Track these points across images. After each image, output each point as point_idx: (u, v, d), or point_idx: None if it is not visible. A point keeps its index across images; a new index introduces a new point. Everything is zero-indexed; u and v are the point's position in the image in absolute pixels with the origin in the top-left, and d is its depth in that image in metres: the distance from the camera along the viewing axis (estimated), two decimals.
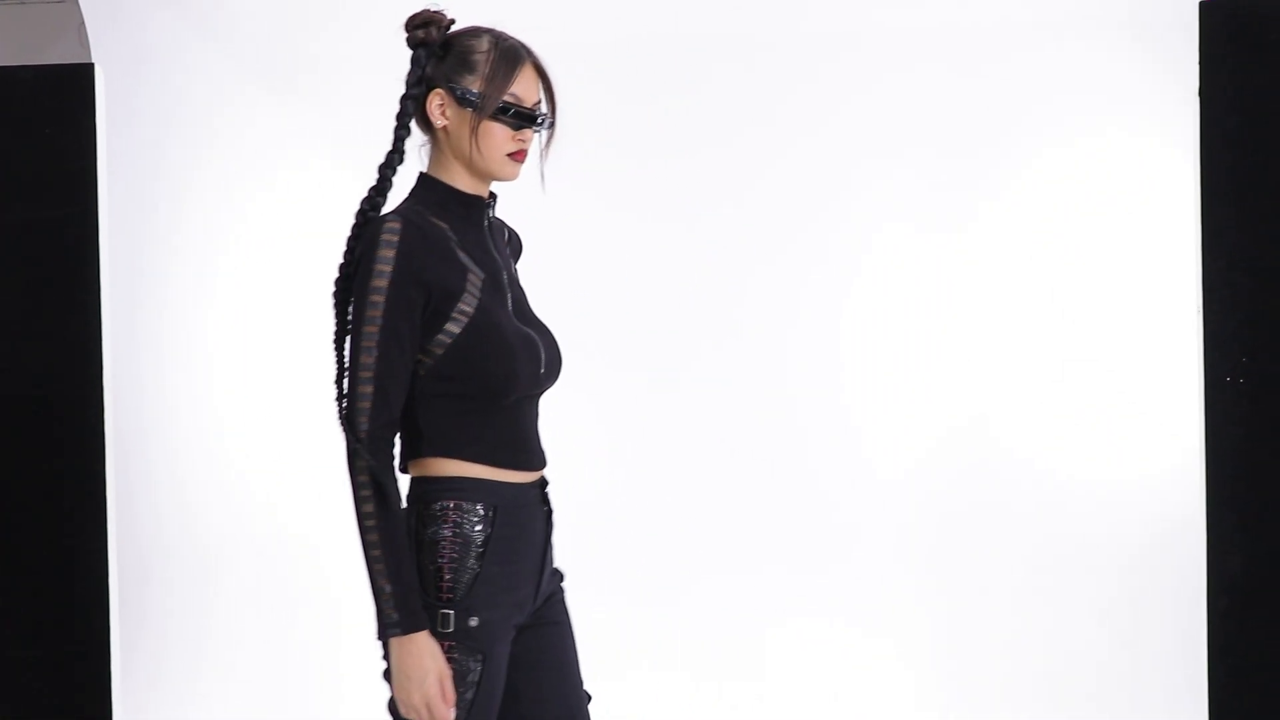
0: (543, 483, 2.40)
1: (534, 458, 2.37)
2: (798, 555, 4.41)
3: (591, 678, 2.47)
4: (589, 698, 2.45)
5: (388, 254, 2.22)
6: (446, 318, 2.25)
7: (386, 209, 2.35)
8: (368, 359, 2.22)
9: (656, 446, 4.43)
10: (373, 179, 2.36)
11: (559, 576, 2.45)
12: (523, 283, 2.47)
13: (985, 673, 4.36)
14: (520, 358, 2.29)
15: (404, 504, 2.28)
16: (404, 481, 2.33)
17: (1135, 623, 4.29)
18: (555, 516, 2.44)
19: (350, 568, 4.52)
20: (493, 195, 2.42)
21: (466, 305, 2.27)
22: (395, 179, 2.37)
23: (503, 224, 2.49)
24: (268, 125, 4.53)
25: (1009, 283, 4.35)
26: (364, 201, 2.35)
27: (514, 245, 2.51)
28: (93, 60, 4.36)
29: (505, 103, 2.30)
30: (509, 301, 2.35)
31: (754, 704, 4.43)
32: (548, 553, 2.39)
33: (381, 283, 2.21)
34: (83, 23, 4.51)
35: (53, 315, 4.13)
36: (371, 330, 2.22)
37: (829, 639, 4.42)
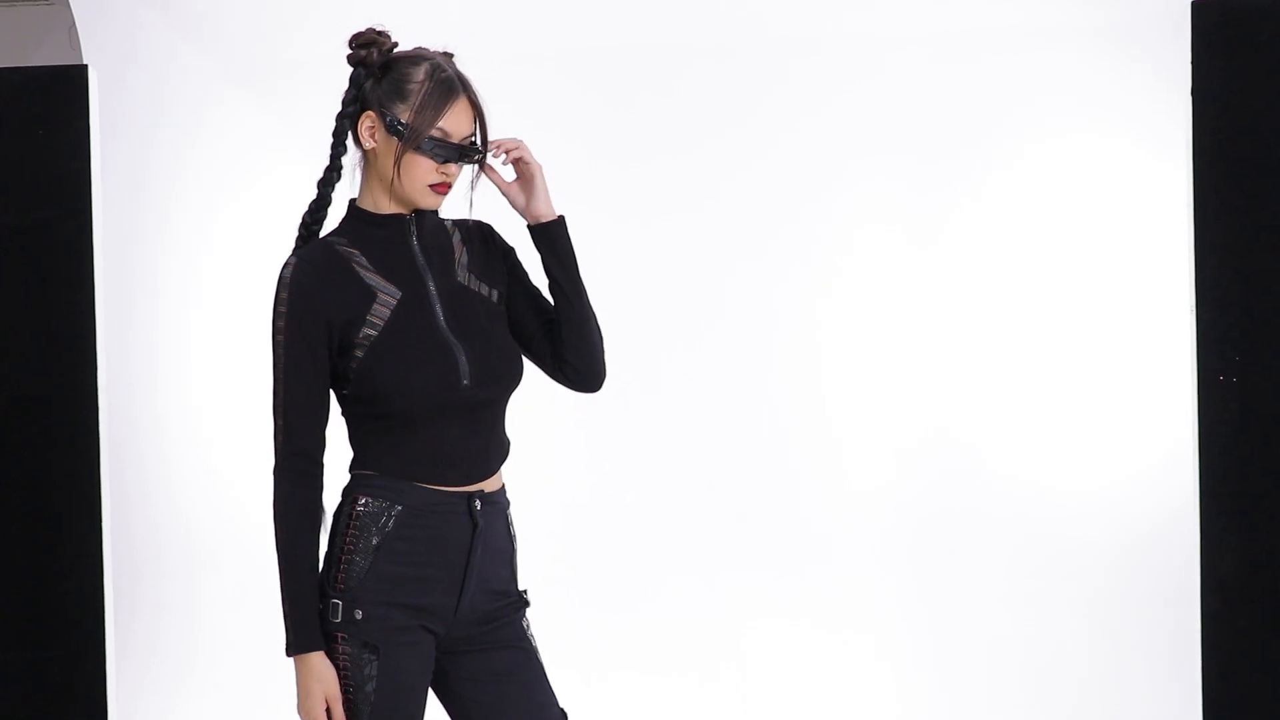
0: (475, 495, 2.39)
1: (457, 473, 2.38)
2: (779, 558, 4.41)
3: (570, 682, 2.48)
4: (564, 715, 2.46)
5: (283, 295, 2.35)
6: (353, 344, 2.33)
7: (329, 225, 2.46)
8: (279, 389, 2.35)
9: (634, 449, 4.43)
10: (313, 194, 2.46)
11: (515, 602, 2.45)
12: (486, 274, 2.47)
13: (973, 677, 4.36)
14: (426, 373, 2.32)
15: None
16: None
17: (1126, 625, 4.29)
18: (519, 538, 2.48)
19: None
20: (420, 214, 2.43)
21: (369, 329, 2.34)
22: (334, 195, 2.46)
23: (454, 225, 2.49)
24: (258, 126, 4.53)
25: (997, 284, 4.35)
26: (305, 215, 2.47)
27: (475, 241, 2.49)
28: (85, 62, 4.37)
29: (431, 137, 2.34)
30: (437, 313, 2.37)
31: (734, 708, 4.43)
32: (476, 567, 2.38)
33: (280, 323, 2.34)
34: (74, 24, 4.52)
35: (47, 317, 4.13)
36: (279, 367, 2.34)
37: (811, 643, 4.42)
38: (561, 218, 2.48)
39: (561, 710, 2.46)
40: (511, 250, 2.53)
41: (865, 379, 4.39)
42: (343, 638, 2.33)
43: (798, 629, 4.43)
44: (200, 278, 4.57)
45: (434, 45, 2.45)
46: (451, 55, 2.44)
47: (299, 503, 2.33)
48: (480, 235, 2.51)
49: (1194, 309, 3.74)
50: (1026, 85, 4.30)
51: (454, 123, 2.35)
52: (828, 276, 4.39)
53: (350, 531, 2.35)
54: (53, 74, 4.15)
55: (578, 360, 2.47)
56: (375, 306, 2.35)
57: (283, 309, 2.34)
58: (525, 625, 2.47)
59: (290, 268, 2.36)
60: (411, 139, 2.34)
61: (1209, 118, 3.69)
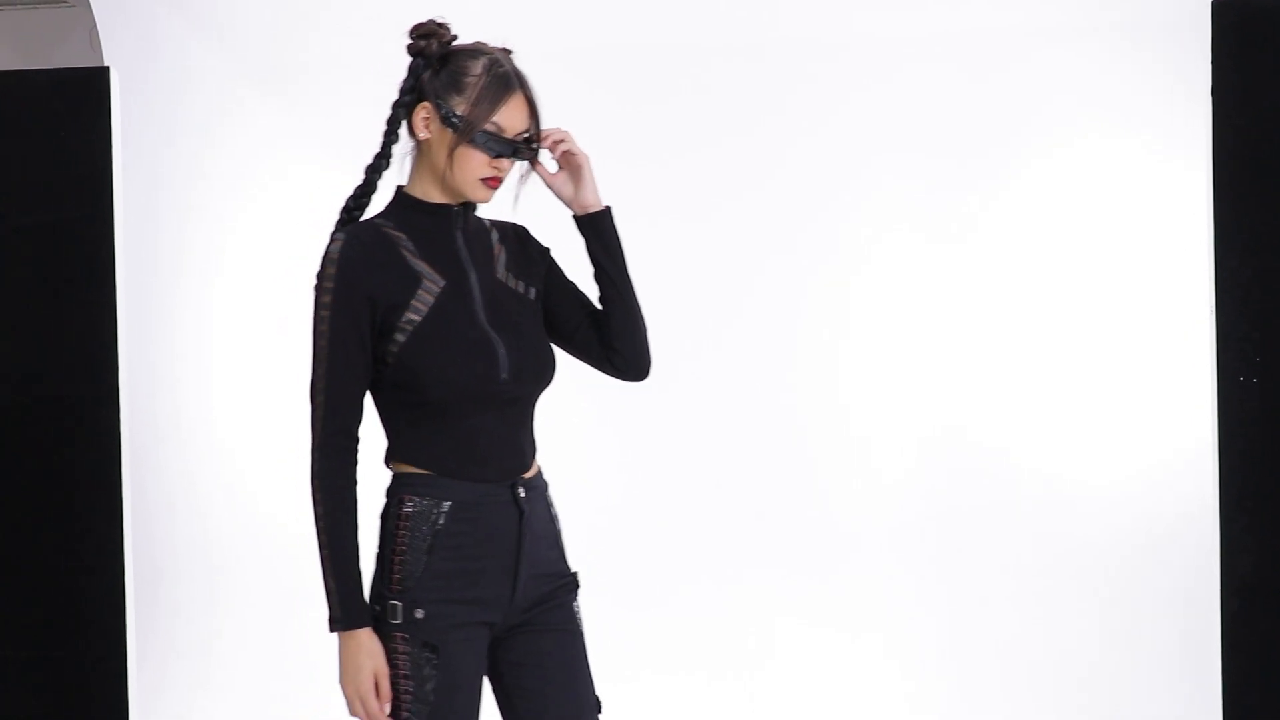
0: (517, 483, 2.39)
1: (497, 470, 2.38)
2: (799, 556, 4.42)
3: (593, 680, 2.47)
4: (599, 705, 2.47)
5: (330, 270, 2.33)
6: (394, 328, 2.33)
7: (372, 212, 2.44)
8: (320, 368, 2.34)
9: (657, 448, 4.43)
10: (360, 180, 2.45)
11: (568, 583, 2.46)
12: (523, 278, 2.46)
13: (991, 676, 4.35)
14: (468, 364, 2.32)
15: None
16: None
17: (1146, 625, 4.28)
18: (562, 521, 2.48)
19: (364, 572, 4.54)
20: (468, 207, 2.44)
21: (414, 314, 2.33)
22: (380, 183, 2.45)
23: (491, 225, 2.49)
24: (276, 126, 4.54)
25: (1018, 283, 4.35)
26: (348, 200, 2.46)
27: (512, 241, 2.50)
28: (106, 63, 4.39)
29: (486, 131, 2.33)
30: (479, 306, 2.38)
31: (753, 705, 4.43)
32: (527, 553, 2.39)
33: (326, 298, 2.32)
34: (94, 26, 4.54)
35: (69, 317, 4.15)
36: (321, 344, 2.33)
37: (828, 641, 4.42)
38: (608, 207, 2.49)
39: (597, 699, 2.47)
40: (548, 250, 2.53)
41: (886, 377, 4.39)
42: (403, 638, 2.32)
43: (814, 627, 4.43)
44: (220, 277, 4.58)
45: (492, 41, 2.43)
46: (510, 52, 2.42)
47: (342, 479, 2.33)
48: (517, 237, 2.51)
49: (1214, 309, 3.73)
50: (1048, 85, 4.30)
51: (509, 118, 2.35)
52: (849, 275, 4.40)
53: (401, 533, 2.34)
54: (75, 76, 4.17)
55: (626, 349, 2.49)
56: (420, 292, 2.34)
57: (329, 284, 2.32)
58: (575, 608, 2.47)
59: (338, 243, 2.34)
60: (466, 132, 2.33)
61: (1229, 117, 3.68)
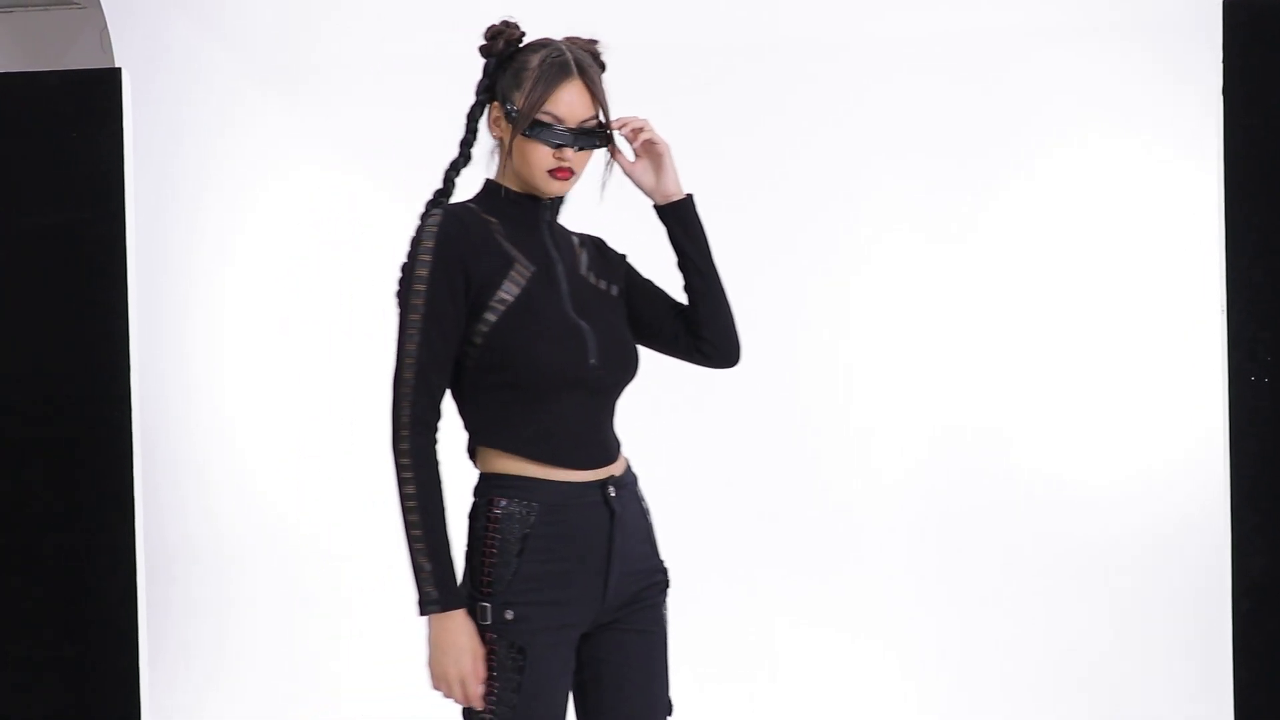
0: (608, 482, 2.37)
1: (585, 455, 2.34)
2: (803, 555, 4.41)
3: None
4: (670, 707, 2.46)
5: (429, 244, 2.28)
6: (486, 306, 2.29)
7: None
8: (411, 345, 2.29)
9: (661, 449, 4.40)
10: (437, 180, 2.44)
11: (659, 582, 2.44)
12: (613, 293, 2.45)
13: (998, 676, 4.34)
14: (560, 346, 2.30)
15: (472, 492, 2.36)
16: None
17: (1156, 626, 4.27)
18: (653, 516, 2.46)
19: (368, 570, 4.55)
20: (556, 201, 2.42)
21: (506, 294, 2.30)
22: (460, 180, 2.43)
23: (576, 235, 2.48)
24: (285, 126, 4.55)
25: (1029, 283, 4.34)
26: (428, 204, 2.42)
27: (591, 247, 2.48)
28: (118, 65, 4.40)
29: (539, 121, 2.31)
30: (565, 295, 2.36)
31: (757, 706, 4.42)
32: (618, 553, 2.36)
33: (423, 271, 2.28)
34: (105, 27, 4.55)
35: (81, 317, 4.16)
36: (415, 318, 2.28)
37: (834, 640, 4.41)
38: (690, 195, 2.47)
39: (669, 701, 2.46)
40: (624, 256, 2.52)
41: (893, 377, 4.38)
42: (491, 638, 2.28)
43: (819, 627, 4.42)
44: (230, 276, 4.59)
45: (583, 32, 2.41)
46: (595, 41, 2.41)
47: (433, 458, 2.28)
48: (595, 244, 2.50)
49: (1225, 309, 3.72)
50: (1060, 85, 4.29)
51: (564, 106, 2.31)
52: (851, 276, 4.39)
53: (491, 535, 2.30)
54: (86, 77, 4.18)
55: (716, 336, 2.47)
56: (511, 273, 2.32)
57: (426, 258, 2.27)
58: (664, 609, 2.44)
59: (434, 218, 2.30)
60: (520, 124, 2.30)
61: (1240, 117, 3.68)
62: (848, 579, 4.41)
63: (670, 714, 2.46)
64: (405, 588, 4.63)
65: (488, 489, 2.33)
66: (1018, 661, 4.34)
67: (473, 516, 2.35)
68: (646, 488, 3.80)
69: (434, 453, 2.28)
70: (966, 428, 4.36)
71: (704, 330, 2.47)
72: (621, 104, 4.03)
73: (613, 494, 2.36)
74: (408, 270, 2.30)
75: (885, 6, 4.35)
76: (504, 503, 2.31)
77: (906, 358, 4.38)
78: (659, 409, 4.37)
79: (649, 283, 2.51)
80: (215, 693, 4.61)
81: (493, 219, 2.35)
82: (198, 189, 4.57)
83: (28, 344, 4.15)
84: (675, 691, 4.24)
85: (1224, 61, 3.70)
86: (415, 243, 2.30)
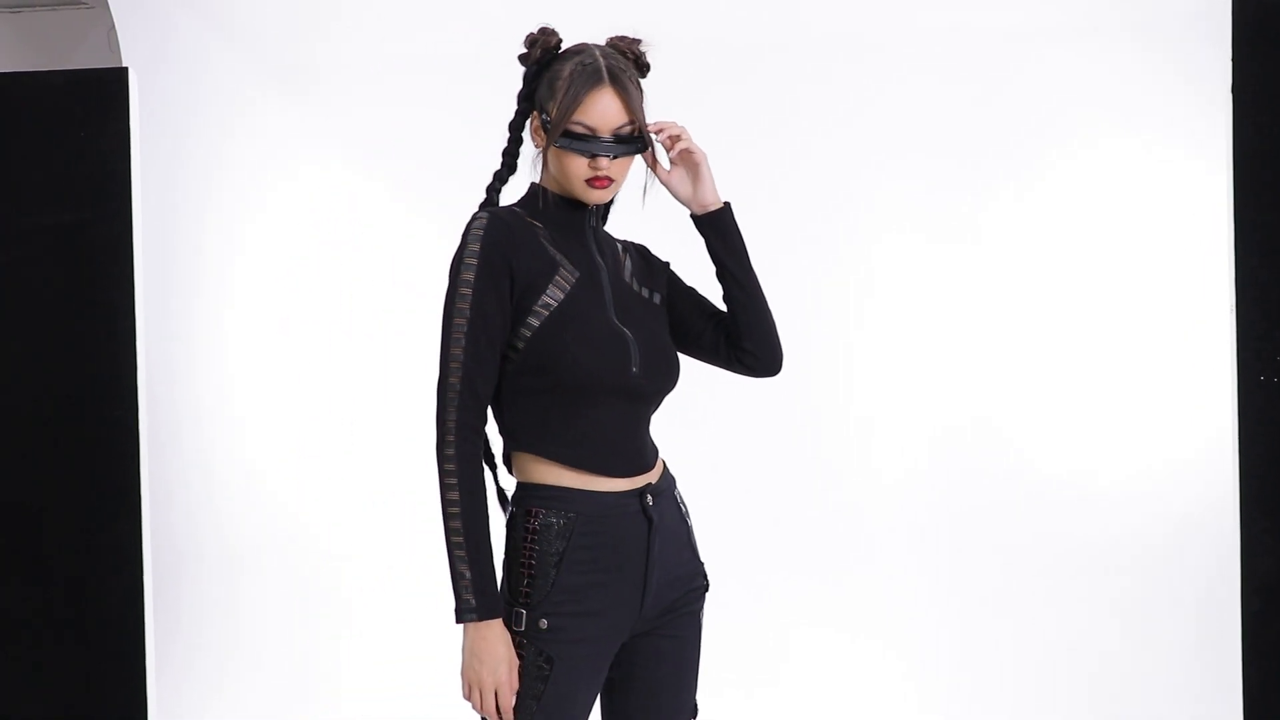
0: (645, 490, 2.35)
1: (622, 463, 2.33)
2: (809, 554, 4.41)
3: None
4: (695, 710, 2.46)
5: (474, 247, 2.27)
6: (530, 310, 2.28)
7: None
8: (457, 350, 2.26)
9: (670, 452, 4.41)
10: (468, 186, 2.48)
11: (697, 586, 2.43)
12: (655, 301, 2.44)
13: (1006, 676, 4.34)
14: (602, 352, 2.29)
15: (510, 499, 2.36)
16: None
17: (1165, 625, 4.26)
18: (693, 521, 2.46)
19: (374, 571, 4.55)
20: (600, 208, 2.41)
21: (550, 298, 2.29)
22: (505, 189, 2.42)
23: (620, 242, 2.48)
24: (291, 125, 4.55)
25: (1039, 283, 4.33)
26: (475, 215, 2.39)
27: (635, 255, 2.47)
28: (125, 64, 4.40)
29: (570, 131, 2.28)
30: (609, 301, 2.35)
31: (761, 704, 4.42)
32: (657, 561, 2.34)
33: (469, 275, 2.25)
34: (113, 26, 4.55)
35: (88, 317, 4.16)
36: (460, 322, 2.26)
37: (842, 640, 4.41)
38: (728, 204, 2.45)
39: (695, 704, 2.45)
40: (667, 264, 2.51)
41: (902, 378, 4.38)
42: (521, 643, 2.28)
43: (826, 627, 4.42)
44: (237, 275, 4.59)
45: (628, 31, 2.39)
46: (638, 41, 2.38)
47: (478, 465, 2.26)
48: (639, 251, 2.49)
49: (1234, 309, 3.71)
50: (1067, 83, 4.28)
51: (597, 115, 2.28)
52: (863, 277, 4.38)
53: (529, 547, 2.29)
54: (93, 76, 4.18)
55: (757, 346, 2.45)
56: (556, 278, 2.30)
57: (472, 260, 2.25)
58: (702, 615, 2.44)
59: (481, 221, 2.28)
60: (552, 135, 2.28)
61: (1250, 115, 3.66)
62: (851, 578, 4.40)
63: (695, 716, 2.46)
64: (411, 588, 4.65)
65: (526, 499, 2.33)
66: (1023, 661, 4.33)
67: (510, 527, 2.34)
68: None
69: (479, 459, 2.27)
70: (975, 428, 4.35)
71: (745, 340, 2.45)
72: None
73: (650, 502, 2.35)
74: (453, 274, 2.27)
75: (890, 7, 4.34)
76: (542, 514, 2.30)
77: (914, 357, 4.37)
78: (666, 414, 4.36)
79: (692, 291, 2.50)
80: (221, 693, 4.61)
81: (538, 223, 2.34)
82: (204, 188, 4.57)
83: (34, 343, 4.16)
84: (715, 695, 4.25)
85: (1233, 60, 3.68)
86: (461, 246, 2.28)
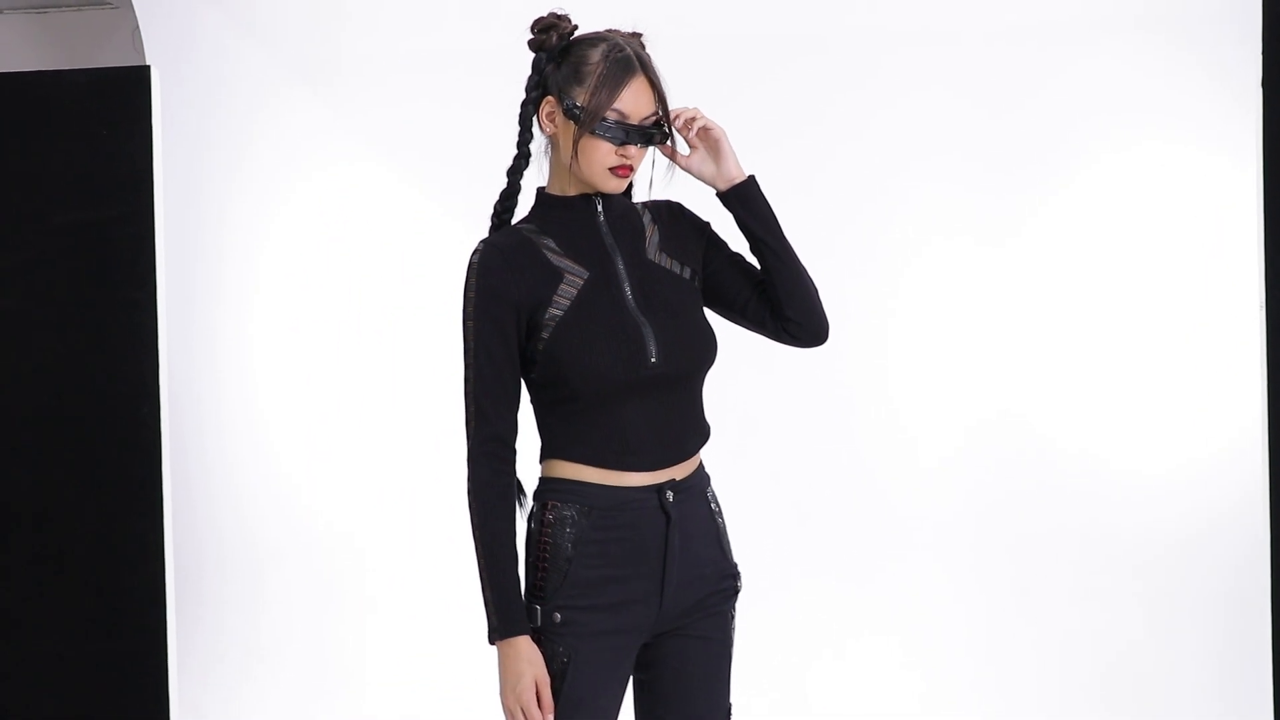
0: (666, 486, 2.34)
1: (646, 458, 2.32)
2: (844, 549, 4.39)
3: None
4: (729, 712, 2.44)
5: (471, 280, 2.31)
6: (540, 325, 2.29)
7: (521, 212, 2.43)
8: (467, 381, 2.31)
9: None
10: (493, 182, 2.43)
11: (727, 588, 2.41)
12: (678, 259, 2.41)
13: (1031, 670, 4.32)
14: (614, 351, 2.28)
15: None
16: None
17: (1195, 620, 4.23)
18: (724, 518, 2.44)
19: (397, 566, 4.54)
20: (609, 196, 2.39)
21: (557, 309, 2.29)
22: (523, 182, 2.41)
23: (644, 207, 2.44)
24: (314, 122, 4.55)
25: (1069, 280, 4.31)
26: (496, 205, 2.42)
27: (665, 221, 2.44)
28: (148, 63, 4.40)
29: (607, 118, 2.28)
30: (626, 291, 2.33)
31: (789, 697, 4.41)
32: (676, 558, 2.33)
33: (470, 308, 2.30)
34: (137, 26, 4.56)
35: (111, 315, 4.17)
36: (468, 353, 2.31)
37: (869, 634, 4.39)
38: (752, 176, 2.42)
39: (728, 705, 2.44)
40: (707, 224, 2.46)
41: (936, 375, 4.36)
42: (539, 637, 2.29)
43: (855, 619, 4.40)
44: (260, 273, 4.59)
45: (622, 25, 2.37)
46: (639, 35, 2.37)
47: (497, 488, 2.28)
48: (671, 214, 2.45)
49: (1264, 305, 3.68)
50: (1094, 80, 4.26)
51: (631, 103, 2.29)
52: (897, 272, 4.37)
53: (544, 539, 2.31)
54: (116, 75, 4.19)
55: (799, 315, 2.41)
56: (562, 287, 2.31)
57: (471, 294, 2.29)
58: (732, 615, 2.42)
59: (478, 254, 2.31)
60: (587, 122, 2.27)
61: (1279, 111, 3.63)
62: (881, 573, 4.39)
63: (730, 718, 2.44)
64: (434, 584, 4.65)
65: (544, 493, 2.34)
66: (1051, 654, 4.31)
67: (529, 520, 2.35)
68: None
69: (496, 485, 2.28)
70: (1005, 424, 4.33)
71: (787, 309, 2.40)
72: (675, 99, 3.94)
73: (670, 498, 2.33)
74: (462, 307, 2.32)
75: (917, 7, 4.32)
76: (557, 507, 2.31)
77: (947, 354, 4.36)
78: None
79: (733, 257, 2.46)
80: (244, 690, 4.61)
81: (542, 234, 2.34)
82: (226, 187, 4.58)
83: (56, 342, 4.17)
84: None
85: (1264, 55, 3.66)
86: (465, 276, 2.32)
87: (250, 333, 4.60)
